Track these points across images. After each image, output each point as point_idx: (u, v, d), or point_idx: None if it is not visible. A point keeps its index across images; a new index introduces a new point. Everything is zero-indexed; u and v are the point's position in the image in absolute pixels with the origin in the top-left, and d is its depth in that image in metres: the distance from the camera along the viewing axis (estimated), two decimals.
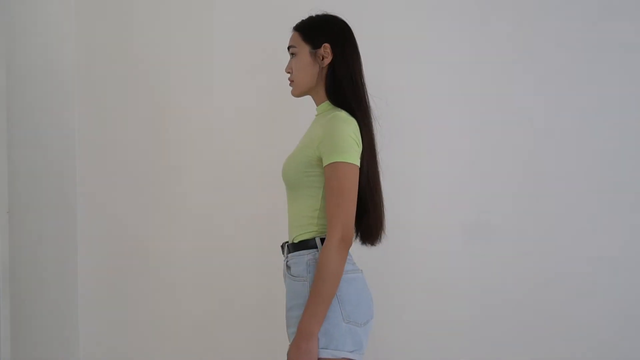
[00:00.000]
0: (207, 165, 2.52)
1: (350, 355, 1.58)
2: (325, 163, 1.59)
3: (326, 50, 1.69)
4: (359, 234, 1.73)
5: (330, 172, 1.57)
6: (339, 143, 1.58)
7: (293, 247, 1.68)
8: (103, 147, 2.61)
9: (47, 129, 2.61)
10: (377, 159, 1.70)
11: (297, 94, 1.77)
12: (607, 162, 2.36)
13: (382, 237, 1.74)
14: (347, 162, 1.57)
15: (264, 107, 2.35)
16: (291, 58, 1.76)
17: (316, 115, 1.76)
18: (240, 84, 2.48)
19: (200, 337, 2.53)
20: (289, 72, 1.77)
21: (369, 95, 1.73)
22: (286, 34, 1.83)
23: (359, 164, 1.60)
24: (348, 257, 1.64)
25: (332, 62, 1.70)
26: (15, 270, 2.54)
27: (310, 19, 1.77)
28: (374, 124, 1.71)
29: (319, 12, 1.77)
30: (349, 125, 1.61)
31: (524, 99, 2.39)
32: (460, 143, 2.40)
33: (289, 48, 1.76)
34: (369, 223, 1.69)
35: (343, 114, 1.63)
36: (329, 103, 1.71)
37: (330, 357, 1.56)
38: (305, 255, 1.64)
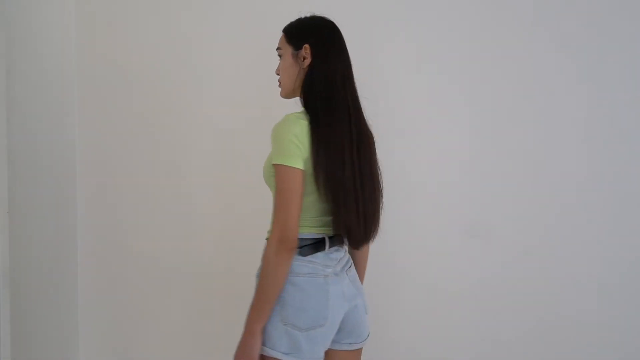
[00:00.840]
0: (207, 165, 2.52)
1: (284, 357, 1.60)
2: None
3: (306, 51, 1.68)
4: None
5: (275, 174, 1.60)
6: (277, 146, 1.59)
7: None
8: (103, 147, 2.62)
9: (47, 129, 2.62)
10: (347, 159, 1.62)
11: (284, 95, 1.76)
12: (608, 162, 2.36)
13: (361, 239, 1.68)
14: (284, 165, 1.57)
15: (264, 107, 2.36)
16: (279, 60, 1.76)
17: None
18: (240, 84, 2.48)
19: (200, 337, 2.53)
20: (277, 74, 1.77)
21: (358, 95, 1.70)
22: (284, 31, 1.84)
23: (299, 166, 1.57)
24: (317, 260, 1.64)
25: (312, 63, 1.68)
26: (15, 270, 2.55)
27: (297, 20, 1.76)
28: (352, 123, 1.65)
29: (308, 14, 1.76)
30: (290, 128, 1.59)
31: (524, 98, 2.39)
32: (461, 143, 2.40)
33: (277, 49, 1.77)
34: (339, 224, 1.65)
35: (290, 116, 1.62)
36: None
37: (265, 354, 1.60)
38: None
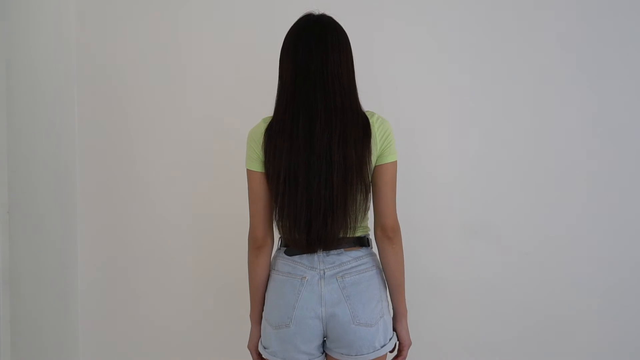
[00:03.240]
0: (207, 165, 2.52)
1: (262, 350, 1.71)
2: None
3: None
4: None
5: None
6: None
7: None
8: (103, 147, 2.61)
9: (47, 129, 2.61)
10: (291, 158, 1.61)
11: None
12: (609, 162, 2.36)
13: (306, 244, 1.64)
14: (246, 168, 1.71)
15: (265, 107, 2.35)
16: None
17: None
18: (240, 83, 2.48)
19: (200, 338, 2.53)
20: None
21: (327, 89, 1.63)
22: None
23: (254, 168, 1.68)
24: (302, 261, 1.65)
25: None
26: (15, 270, 2.54)
27: None
28: (289, 129, 1.63)
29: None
30: (251, 132, 1.70)
31: (524, 98, 2.39)
32: (461, 143, 2.40)
33: None
34: (278, 226, 1.70)
35: (261, 121, 1.70)
36: None
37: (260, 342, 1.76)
38: None
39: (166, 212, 2.56)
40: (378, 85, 2.38)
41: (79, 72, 2.62)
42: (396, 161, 1.67)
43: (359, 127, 1.62)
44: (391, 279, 1.69)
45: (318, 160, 1.59)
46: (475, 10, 2.40)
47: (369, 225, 1.76)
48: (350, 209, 1.62)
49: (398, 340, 1.74)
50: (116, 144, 2.60)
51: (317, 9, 1.74)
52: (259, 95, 2.40)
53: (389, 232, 1.66)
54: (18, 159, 2.58)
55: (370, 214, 1.71)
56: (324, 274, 1.66)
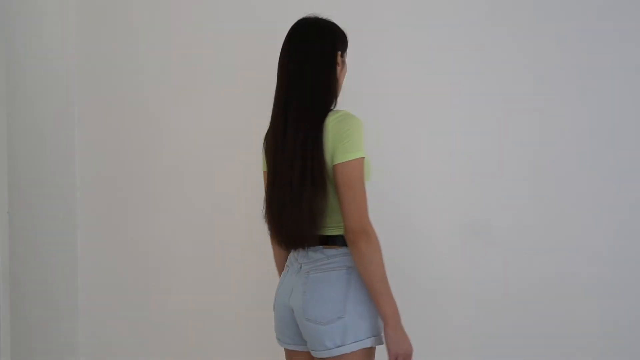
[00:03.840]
0: (207, 165, 2.52)
1: None
2: None
3: None
4: None
5: None
6: None
7: None
8: (103, 147, 2.61)
9: (47, 129, 2.62)
10: (271, 158, 1.72)
11: None
12: (609, 162, 2.36)
13: (279, 240, 1.73)
14: None
15: (264, 106, 2.36)
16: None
17: None
18: (241, 83, 2.48)
19: (200, 338, 2.53)
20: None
21: (296, 87, 1.69)
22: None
23: (263, 168, 1.82)
24: (292, 255, 1.76)
25: None
26: (15, 270, 2.55)
27: None
28: (274, 128, 1.71)
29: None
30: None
31: (524, 98, 2.39)
32: (460, 142, 2.40)
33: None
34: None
35: None
36: None
37: None
38: None
39: (166, 212, 2.56)
40: (377, 84, 2.38)
41: (79, 72, 2.62)
42: (351, 161, 1.61)
43: (317, 126, 1.65)
44: (364, 282, 1.66)
45: (285, 160, 1.66)
46: (472, 8, 2.40)
47: None
48: (314, 207, 1.63)
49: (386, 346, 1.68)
50: (116, 144, 2.60)
51: (319, 13, 1.76)
52: (259, 96, 2.40)
53: (349, 235, 1.62)
54: (18, 159, 2.59)
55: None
56: (301, 268, 1.71)
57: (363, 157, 1.62)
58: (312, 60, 1.68)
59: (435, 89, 2.41)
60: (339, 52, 1.72)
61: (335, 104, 1.72)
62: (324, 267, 1.67)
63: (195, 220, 2.52)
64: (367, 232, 1.61)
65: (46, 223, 2.59)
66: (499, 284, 2.38)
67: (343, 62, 1.75)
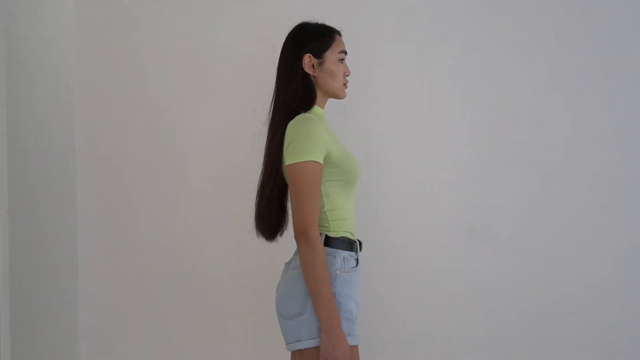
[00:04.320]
0: (208, 165, 2.52)
1: None
2: None
3: None
4: None
5: None
6: None
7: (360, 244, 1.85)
8: (103, 147, 2.62)
9: (48, 129, 2.62)
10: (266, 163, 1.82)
11: None
12: (609, 162, 2.36)
13: (266, 235, 1.85)
14: None
15: (265, 106, 2.36)
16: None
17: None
18: (241, 84, 2.48)
19: (200, 338, 2.53)
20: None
21: (280, 89, 1.81)
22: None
23: None
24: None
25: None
26: (16, 270, 2.55)
27: None
28: (269, 129, 1.82)
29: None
30: None
31: (524, 98, 2.39)
32: (460, 143, 2.40)
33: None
34: None
35: None
36: None
37: None
38: None
39: (166, 212, 2.56)
40: (377, 84, 2.38)
41: (79, 72, 2.62)
42: (295, 165, 1.66)
43: (280, 130, 1.76)
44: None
45: (265, 162, 1.81)
46: (473, 8, 2.40)
47: (325, 224, 1.76)
48: (279, 207, 1.82)
49: None
50: (116, 144, 2.60)
51: (322, 18, 1.81)
52: (259, 96, 2.40)
53: (294, 235, 1.68)
54: (18, 159, 2.59)
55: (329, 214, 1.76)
56: (290, 263, 1.79)
57: (312, 161, 1.66)
58: (280, 71, 1.81)
59: (435, 90, 2.41)
60: (308, 55, 1.78)
61: (309, 106, 1.79)
62: (293, 264, 1.76)
63: (197, 221, 2.52)
64: (308, 235, 1.65)
65: (46, 223, 2.59)
66: (499, 284, 2.38)
67: (321, 62, 1.79)
